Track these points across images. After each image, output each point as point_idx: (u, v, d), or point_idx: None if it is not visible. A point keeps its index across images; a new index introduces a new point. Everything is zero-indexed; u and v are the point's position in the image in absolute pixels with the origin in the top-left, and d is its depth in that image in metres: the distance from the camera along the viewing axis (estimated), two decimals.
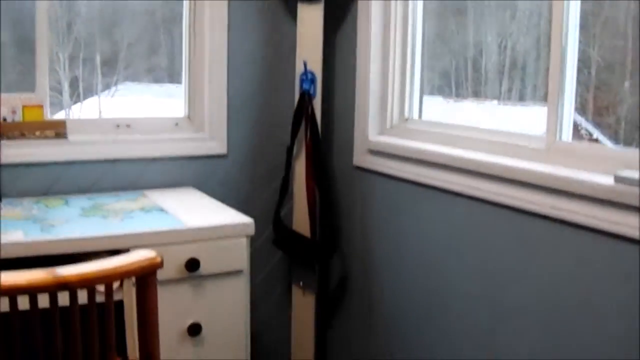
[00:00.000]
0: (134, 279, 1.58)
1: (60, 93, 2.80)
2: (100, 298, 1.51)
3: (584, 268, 1.80)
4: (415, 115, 2.64)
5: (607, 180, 1.72)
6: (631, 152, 1.79)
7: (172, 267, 2.13)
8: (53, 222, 2.18)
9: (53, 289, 1.42)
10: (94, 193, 2.63)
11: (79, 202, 2.47)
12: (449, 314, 2.28)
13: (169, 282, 2.12)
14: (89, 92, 2.87)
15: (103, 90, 2.90)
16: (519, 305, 2.00)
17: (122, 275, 1.51)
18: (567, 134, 2.00)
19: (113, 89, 2.92)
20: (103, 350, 1.56)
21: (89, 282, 1.45)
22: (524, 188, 1.95)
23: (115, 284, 1.86)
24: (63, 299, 1.46)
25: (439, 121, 2.52)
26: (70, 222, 2.20)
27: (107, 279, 1.48)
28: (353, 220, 2.79)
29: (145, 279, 1.56)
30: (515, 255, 2.01)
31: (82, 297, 1.48)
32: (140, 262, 1.52)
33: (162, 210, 2.38)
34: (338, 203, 2.87)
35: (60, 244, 2.01)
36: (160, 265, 1.55)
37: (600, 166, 1.82)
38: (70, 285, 1.43)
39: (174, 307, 2.16)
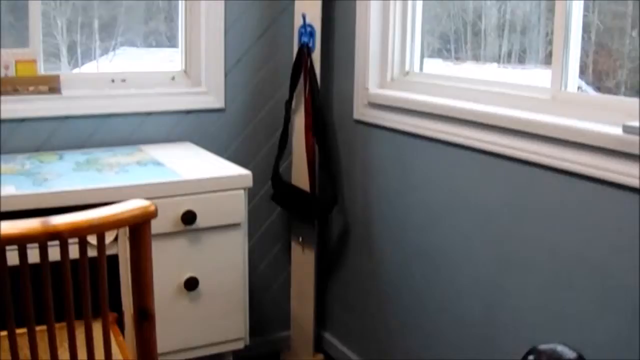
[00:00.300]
0: (127, 230, 1.53)
1: (59, 58, 2.76)
2: (92, 252, 1.46)
3: (589, 219, 1.76)
4: (416, 70, 2.58)
5: (615, 131, 1.67)
6: (638, 102, 1.73)
7: (168, 220, 2.10)
8: (46, 176, 2.14)
9: (43, 238, 1.38)
10: (89, 148, 2.59)
11: (74, 157, 2.43)
12: (452, 267, 2.25)
13: (165, 235, 2.09)
14: (87, 57, 2.82)
15: (101, 55, 2.85)
16: (524, 256, 1.97)
17: (114, 224, 1.46)
18: (572, 87, 1.94)
19: (111, 53, 2.87)
20: (96, 305, 1.52)
21: (80, 232, 1.40)
22: (529, 139, 1.91)
23: (109, 238, 1.82)
24: (54, 252, 1.42)
25: (440, 74, 2.46)
26: (63, 176, 2.16)
27: (98, 228, 1.42)
28: (353, 173, 2.75)
29: (138, 229, 1.51)
30: (519, 206, 1.98)
31: (75, 251, 1.44)
32: (133, 210, 1.47)
33: (158, 163, 2.33)
34: (338, 157, 2.82)
35: (52, 196, 1.97)
36: (154, 214, 1.50)
37: (606, 117, 1.77)
38: (61, 235, 1.38)
39: (170, 261, 2.13)
